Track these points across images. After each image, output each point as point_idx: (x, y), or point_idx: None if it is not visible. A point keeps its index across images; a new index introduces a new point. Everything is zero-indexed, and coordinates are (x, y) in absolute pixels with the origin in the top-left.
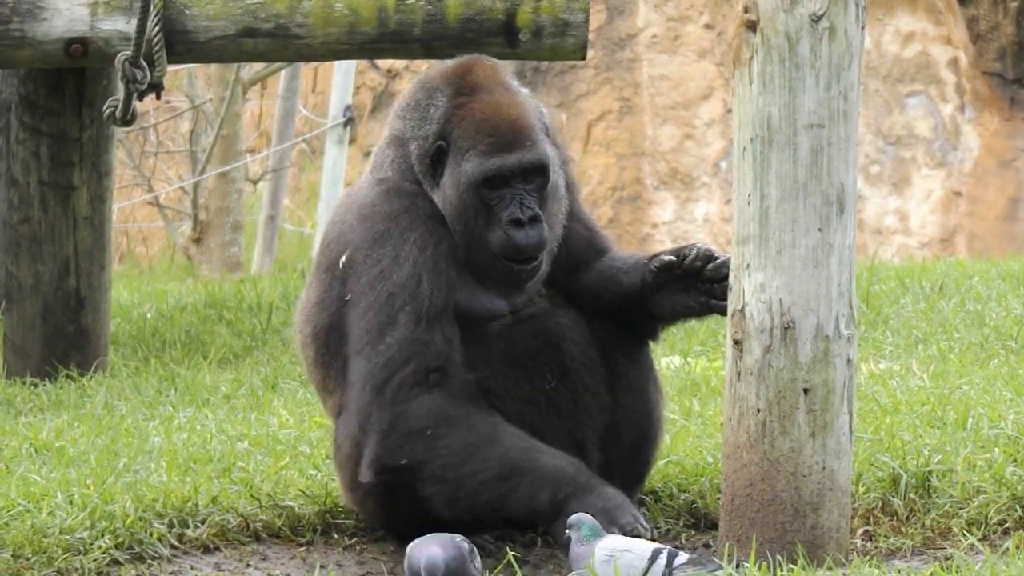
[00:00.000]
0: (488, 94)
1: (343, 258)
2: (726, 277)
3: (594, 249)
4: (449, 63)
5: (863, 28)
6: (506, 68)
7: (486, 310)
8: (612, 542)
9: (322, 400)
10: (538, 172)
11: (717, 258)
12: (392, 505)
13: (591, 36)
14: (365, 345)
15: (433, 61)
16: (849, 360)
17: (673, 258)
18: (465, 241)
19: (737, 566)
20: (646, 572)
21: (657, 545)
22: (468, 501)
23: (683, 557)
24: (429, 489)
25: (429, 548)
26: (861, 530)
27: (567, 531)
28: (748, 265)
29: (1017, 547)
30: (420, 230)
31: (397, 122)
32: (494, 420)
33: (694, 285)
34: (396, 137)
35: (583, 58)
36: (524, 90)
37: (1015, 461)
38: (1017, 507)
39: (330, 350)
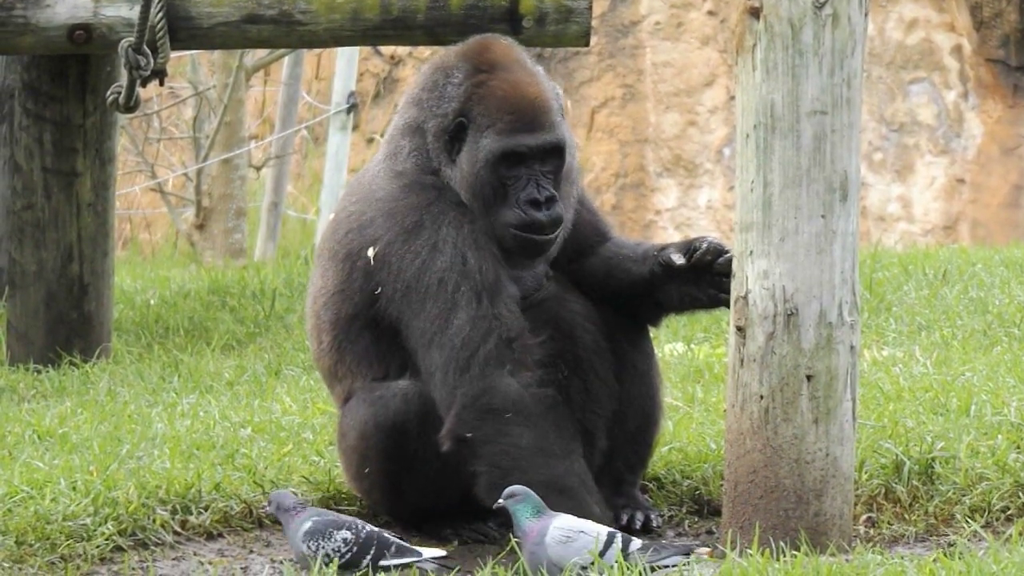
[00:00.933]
0: (507, 72)
1: (371, 251)
2: None
3: (598, 234)
4: (463, 43)
5: (866, 15)
6: (521, 47)
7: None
8: (567, 522)
9: (329, 386)
10: (556, 154)
11: (727, 252)
12: (398, 495)
13: (594, 23)
14: (434, 335)
15: (437, 48)
16: (852, 347)
17: (683, 261)
18: (482, 218)
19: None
20: (602, 554)
21: (611, 529)
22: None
23: (636, 543)
24: (480, 467)
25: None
26: (864, 517)
27: (505, 500)
28: (751, 252)
29: (1020, 534)
30: (452, 214)
31: (412, 109)
32: (570, 444)
33: (703, 277)
34: (411, 126)
35: (586, 45)
36: (539, 68)
37: (1018, 448)
38: (1020, 494)
39: (349, 338)
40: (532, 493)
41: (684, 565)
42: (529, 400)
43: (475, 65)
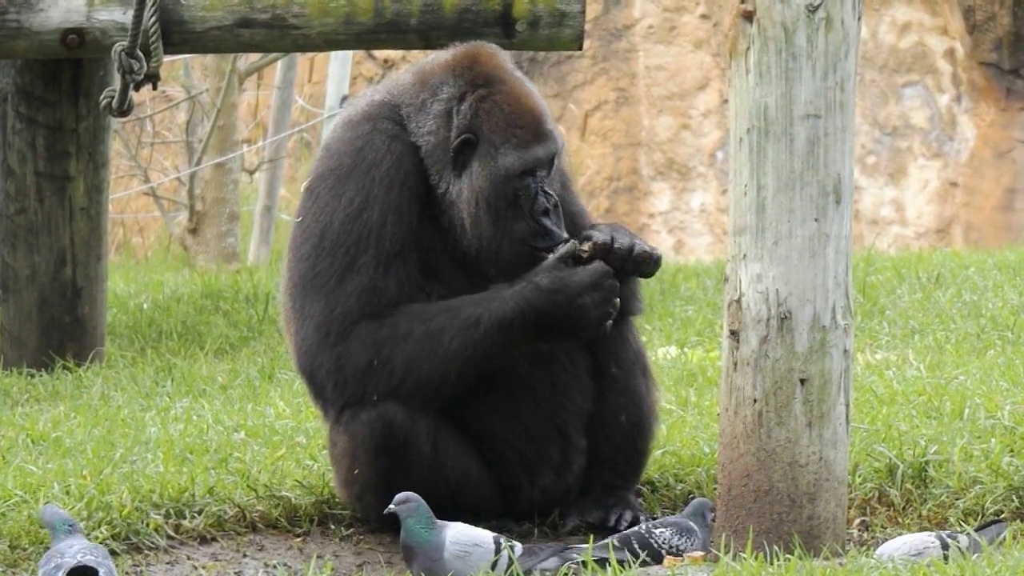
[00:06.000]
0: (504, 84)
1: (305, 182)
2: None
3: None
4: (446, 54)
5: (860, 18)
6: (505, 53)
7: (462, 284)
8: (460, 534)
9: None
10: (554, 161)
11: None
12: (389, 494)
13: (587, 26)
14: (322, 286)
15: (431, 52)
16: (846, 350)
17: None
18: (489, 232)
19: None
20: (494, 566)
21: (495, 535)
22: (456, 391)
23: (519, 548)
24: (416, 402)
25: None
26: (858, 520)
27: (396, 506)
28: (745, 256)
29: (1014, 537)
30: (386, 168)
31: (392, 110)
32: (416, 315)
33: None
34: (389, 103)
35: (580, 48)
36: (519, 74)
37: (1011, 451)
38: (1013, 497)
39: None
40: (422, 503)
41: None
42: (368, 328)
43: (469, 80)
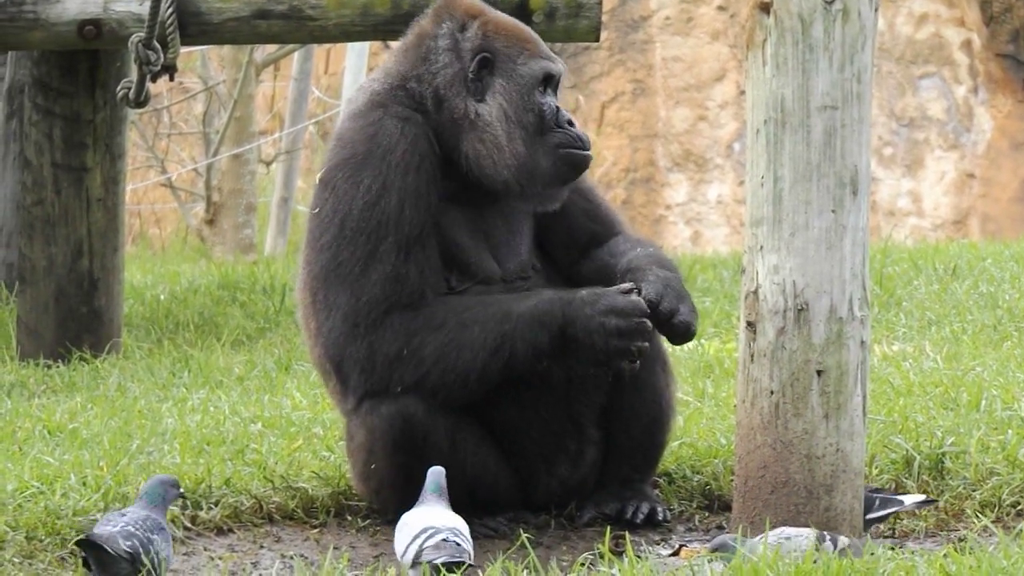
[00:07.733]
0: (495, 12)
1: (320, 174)
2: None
3: (598, 223)
4: (421, 18)
5: (876, 10)
6: None
7: (479, 268)
8: (409, 514)
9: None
10: (559, 84)
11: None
12: (409, 491)
13: (604, 18)
14: (346, 276)
15: None
16: (862, 342)
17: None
18: (523, 149)
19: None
20: (406, 548)
21: (427, 526)
22: (478, 388)
23: (434, 540)
24: (440, 396)
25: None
26: None
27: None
28: (762, 247)
29: None
30: (402, 152)
31: (400, 91)
32: (451, 307)
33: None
34: (391, 87)
35: (596, 40)
36: None
37: None
38: None
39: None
40: (428, 480)
41: (694, 559)
42: (403, 318)
43: (462, 14)
